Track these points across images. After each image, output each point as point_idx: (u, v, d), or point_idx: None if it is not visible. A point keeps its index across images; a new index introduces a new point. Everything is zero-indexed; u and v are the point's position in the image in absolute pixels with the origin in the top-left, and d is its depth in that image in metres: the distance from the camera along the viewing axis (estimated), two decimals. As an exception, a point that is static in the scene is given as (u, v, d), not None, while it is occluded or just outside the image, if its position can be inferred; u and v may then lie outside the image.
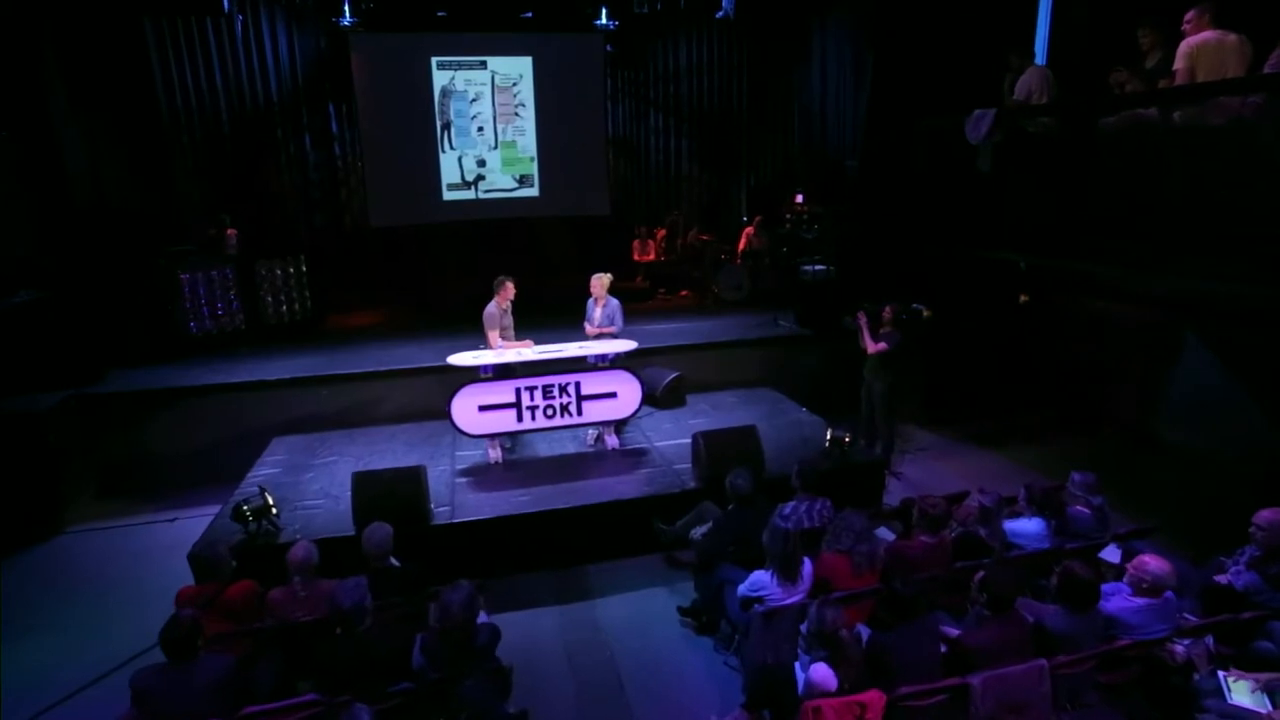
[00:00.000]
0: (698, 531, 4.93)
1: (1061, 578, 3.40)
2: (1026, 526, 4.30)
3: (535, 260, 11.03)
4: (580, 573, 5.56)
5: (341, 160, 11.53)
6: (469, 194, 10.93)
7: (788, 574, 3.82)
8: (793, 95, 12.29)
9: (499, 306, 6.58)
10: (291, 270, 9.49)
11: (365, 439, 7.12)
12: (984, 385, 8.47)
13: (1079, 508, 4.37)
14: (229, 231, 9.80)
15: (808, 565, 3.92)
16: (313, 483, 6.12)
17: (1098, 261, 6.22)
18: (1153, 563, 3.46)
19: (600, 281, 6.83)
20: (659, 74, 12.70)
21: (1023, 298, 8.67)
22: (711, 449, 5.71)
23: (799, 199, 11.23)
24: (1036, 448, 7.76)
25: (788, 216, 11.24)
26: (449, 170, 10.80)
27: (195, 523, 6.19)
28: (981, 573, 3.47)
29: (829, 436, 6.11)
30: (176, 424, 7.31)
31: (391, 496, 5.22)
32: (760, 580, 3.88)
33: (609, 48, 11.62)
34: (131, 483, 7.24)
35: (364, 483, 5.26)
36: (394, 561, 4.55)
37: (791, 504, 4.66)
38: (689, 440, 6.13)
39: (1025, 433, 8.13)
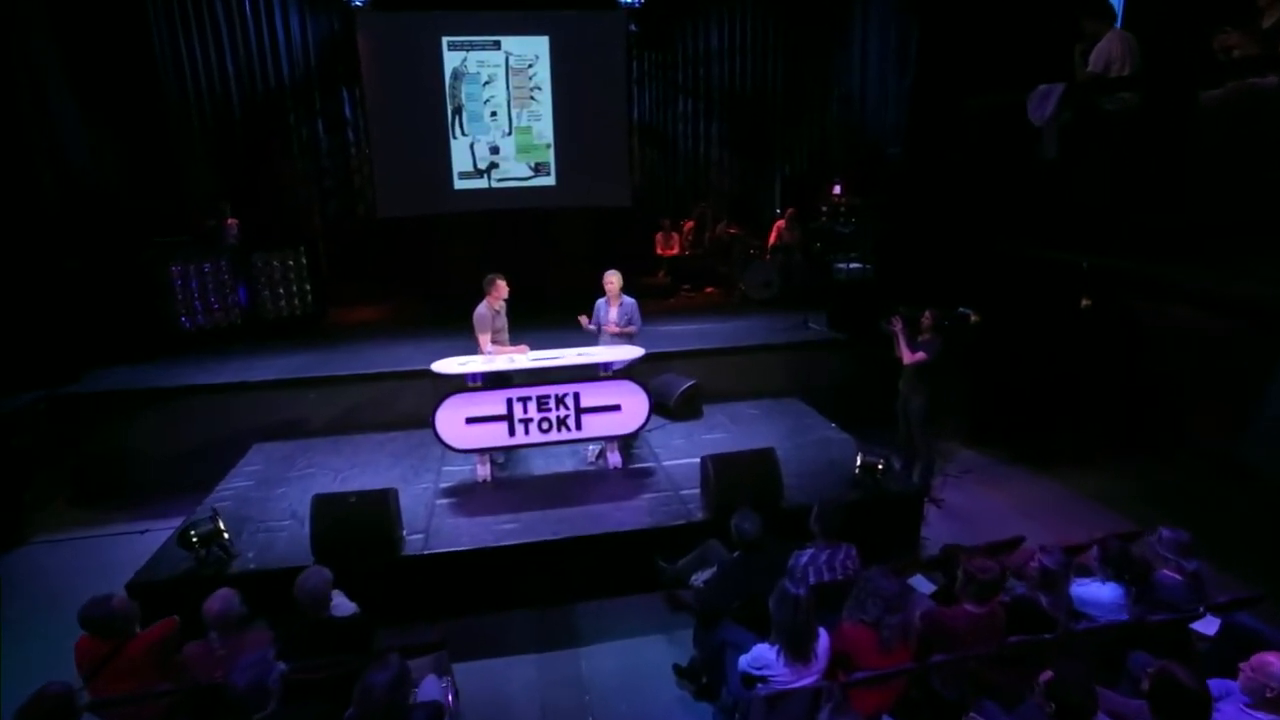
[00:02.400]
0: (699, 577, 4.22)
1: (1157, 684, 2.60)
2: (1099, 593, 3.49)
3: (551, 254, 10.37)
4: (567, 612, 4.88)
5: (355, 147, 11.10)
6: (481, 183, 10.30)
7: (798, 651, 3.09)
8: (831, 78, 11.39)
9: (490, 307, 5.94)
10: (291, 262, 8.99)
11: (350, 449, 6.56)
12: (1038, 400, 7.54)
13: (1168, 573, 3.54)
14: (229, 221, 9.35)
15: (823, 639, 3.18)
16: (283, 499, 5.56)
17: (1182, 262, 5.32)
18: (1279, 665, 2.64)
19: (616, 278, 6.16)
20: (688, 56, 11.94)
21: (1084, 302, 7.71)
22: (722, 476, 4.98)
23: (836, 190, 10.39)
24: (1099, 473, 6.85)
25: (823, 209, 10.41)
26: (460, 158, 10.18)
27: (167, 535, 5.70)
28: (1049, 673, 2.69)
29: (860, 462, 5.32)
30: (154, 427, 6.84)
31: (355, 523, 4.63)
32: (764, 656, 3.16)
33: (633, 27, 10.86)
34: (106, 489, 6.79)
35: (325, 506, 4.66)
36: (343, 601, 3.95)
37: (809, 552, 3.91)
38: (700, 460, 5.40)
39: (1086, 455, 7.20)
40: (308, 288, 9.14)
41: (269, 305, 8.89)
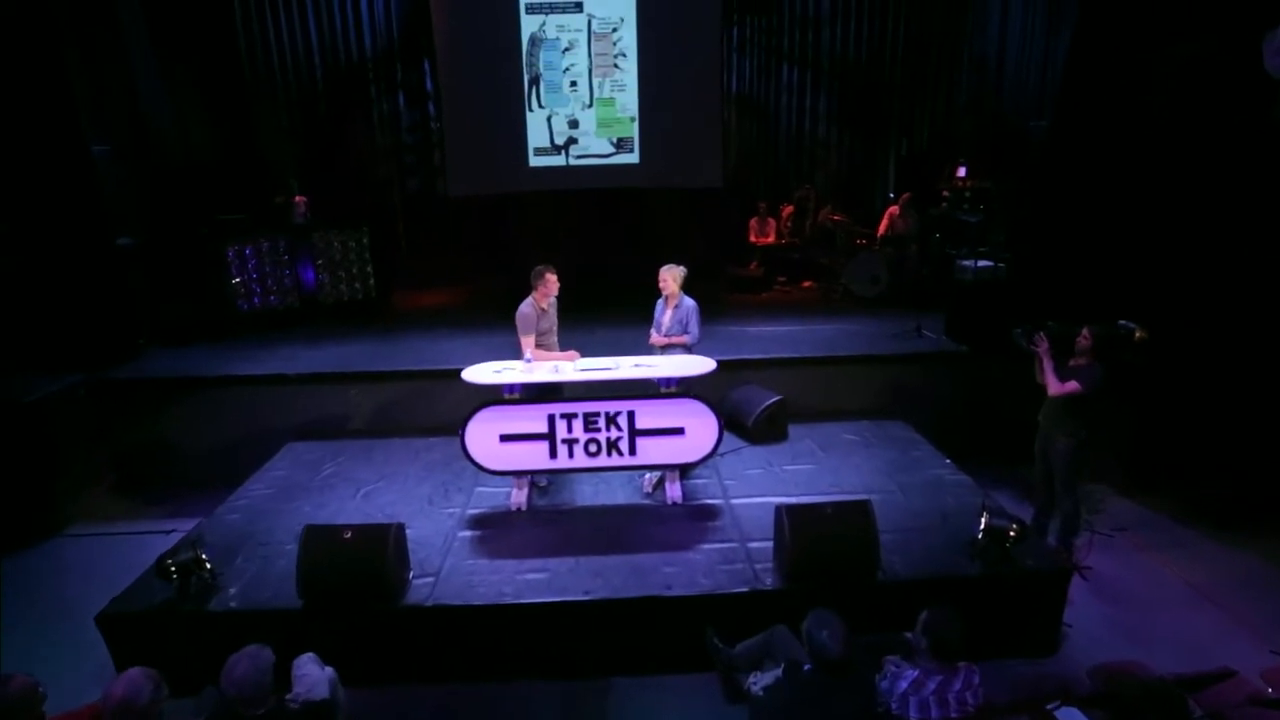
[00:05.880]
0: (758, 681, 3.17)
1: None
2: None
3: (632, 239, 9.42)
4: (599, 688, 3.95)
5: (436, 121, 10.61)
6: (558, 160, 9.45)
7: None
8: (961, 39, 9.85)
9: (536, 305, 5.07)
10: (352, 243, 8.46)
11: (383, 453, 5.92)
12: (1224, 440, 5.95)
13: None
14: (297, 199, 8.96)
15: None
16: (294, 515, 4.92)
17: None
18: None
19: (673, 275, 5.16)
20: (794, 19, 10.68)
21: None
22: (800, 535, 3.90)
23: (961, 172, 8.91)
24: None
25: (945, 194, 8.96)
26: (537, 132, 9.36)
27: (187, 538, 5.25)
28: None
29: (984, 525, 4.10)
30: (192, 417, 6.44)
31: (349, 563, 3.89)
32: None
33: (732, -14, 9.72)
34: (145, 480, 6.46)
35: (315, 541, 3.94)
36: (313, 670, 3.21)
37: (911, 674, 2.80)
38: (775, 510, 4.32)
39: (1288, 514, 5.59)
40: (369, 270, 8.60)
41: (328, 288, 8.42)
